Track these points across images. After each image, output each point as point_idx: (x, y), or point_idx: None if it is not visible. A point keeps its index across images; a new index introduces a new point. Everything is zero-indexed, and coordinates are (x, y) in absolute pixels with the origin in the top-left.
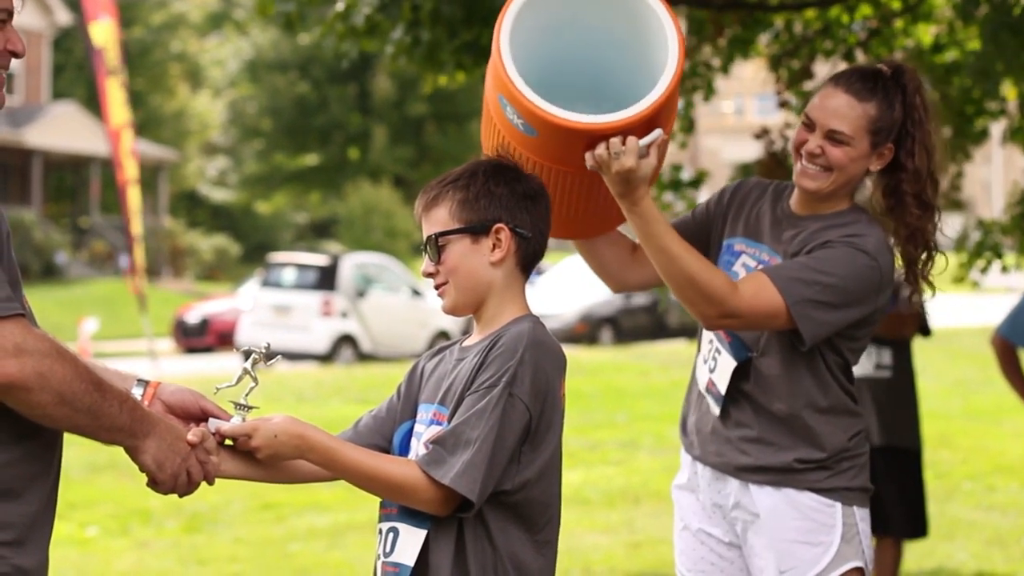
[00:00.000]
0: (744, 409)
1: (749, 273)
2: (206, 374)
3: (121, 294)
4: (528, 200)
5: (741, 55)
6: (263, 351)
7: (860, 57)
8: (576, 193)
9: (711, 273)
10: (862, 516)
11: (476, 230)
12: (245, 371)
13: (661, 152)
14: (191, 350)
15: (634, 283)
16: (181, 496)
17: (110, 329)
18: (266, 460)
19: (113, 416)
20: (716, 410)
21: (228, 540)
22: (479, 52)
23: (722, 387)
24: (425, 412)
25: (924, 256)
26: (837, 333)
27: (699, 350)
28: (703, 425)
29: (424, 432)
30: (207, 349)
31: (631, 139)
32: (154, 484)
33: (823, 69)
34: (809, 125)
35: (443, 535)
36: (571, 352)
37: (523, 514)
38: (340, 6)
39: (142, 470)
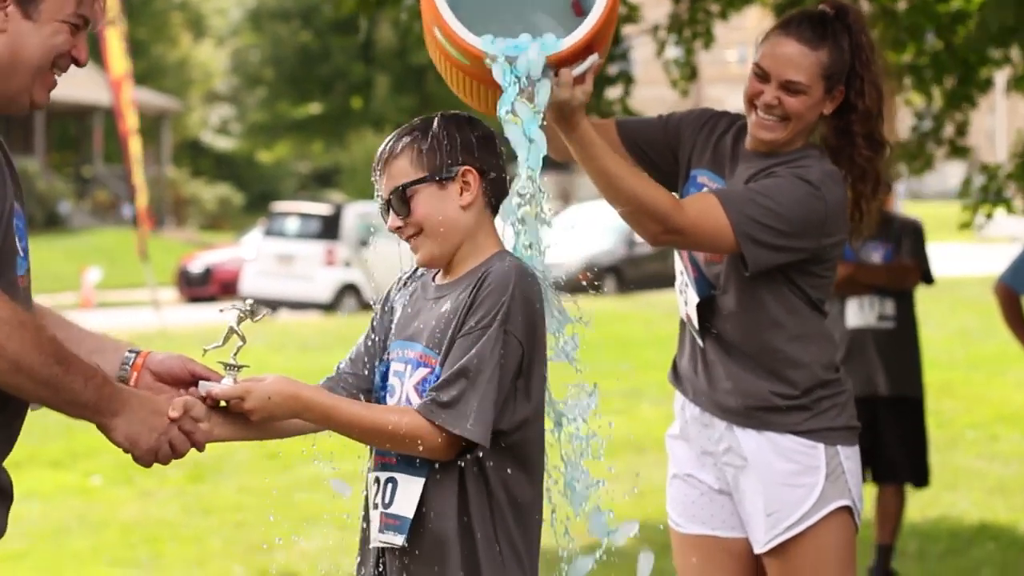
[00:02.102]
0: (718, 348)
1: (696, 193)
2: (209, 324)
3: (124, 244)
4: (486, 140)
5: (742, 3)
6: (248, 308)
7: (865, 5)
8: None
9: (655, 190)
10: (847, 455)
11: (442, 176)
12: (231, 329)
13: (595, 72)
14: (194, 299)
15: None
16: (166, 464)
17: (113, 279)
18: (260, 422)
19: (76, 392)
20: (700, 341)
21: (232, 489)
22: None
23: (695, 321)
24: (402, 350)
25: (871, 193)
26: (791, 267)
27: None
28: (691, 366)
29: (407, 373)
30: (210, 298)
31: (563, 71)
32: (133, 459)
33: None
34: (762, 76)
35: (444, 482)
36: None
37: (519, 454)
38: None
39: (117, 447)
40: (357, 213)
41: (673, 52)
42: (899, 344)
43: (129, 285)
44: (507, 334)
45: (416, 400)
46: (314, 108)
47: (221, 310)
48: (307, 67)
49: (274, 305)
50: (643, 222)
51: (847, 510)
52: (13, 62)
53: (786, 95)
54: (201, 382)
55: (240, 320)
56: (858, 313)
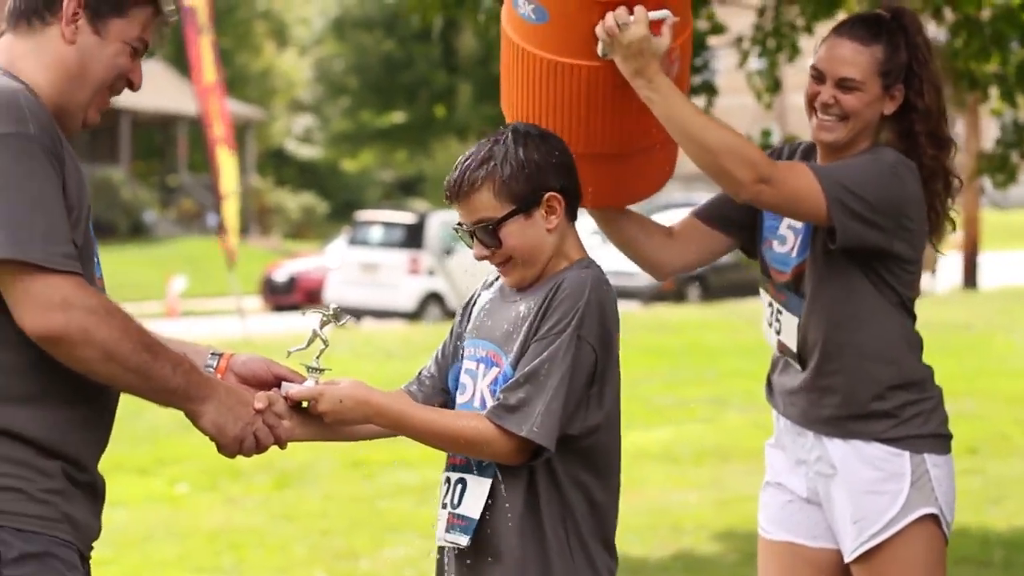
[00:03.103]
0: (809, 360)
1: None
2: (293, 332)
3: (209, 252)
4: (559, 155)
5: (824, 14)
6: (332, 313)
7: (948, 15)
8: (590, 97)
9: (746, 140)
10: (935, 463)
11: (528, 205)
12: (315, 333)
13: (682, 51)
14: (279, 308)
15: (677, 265)
16: (248, 456)
17: (198, 287)
18: (332, 424)
19: (165, 378)
20: (798, 366)
21: (317, 497)
22: None
23: (793, 345)
24: (474, 348)
25: (944, 191)
26: (880, 262)
27: (764, 316)
28: (783, 381)
29: (478, 372)
30: (295, 307)
31: (639, 8)
32: (218, 448)
33: None
34: (818, 77)
35: (512, 486)
36: (658, 310)
37: (592, 459)
38: None
39: (204, 434)
40: (441, 222)
41: (756, 64)
42: None
43: (214, 294)
44: (580, 340)
45: (489, 399)
46: (397, 117)
47: (305, 314)
48: (390, 76)
49: (358, 314)
50: (735, 168)
51: (934, 519)
52: (79, 73)
53: (842, 93)
54: (283, 383)
55: (324, 324)
56: None
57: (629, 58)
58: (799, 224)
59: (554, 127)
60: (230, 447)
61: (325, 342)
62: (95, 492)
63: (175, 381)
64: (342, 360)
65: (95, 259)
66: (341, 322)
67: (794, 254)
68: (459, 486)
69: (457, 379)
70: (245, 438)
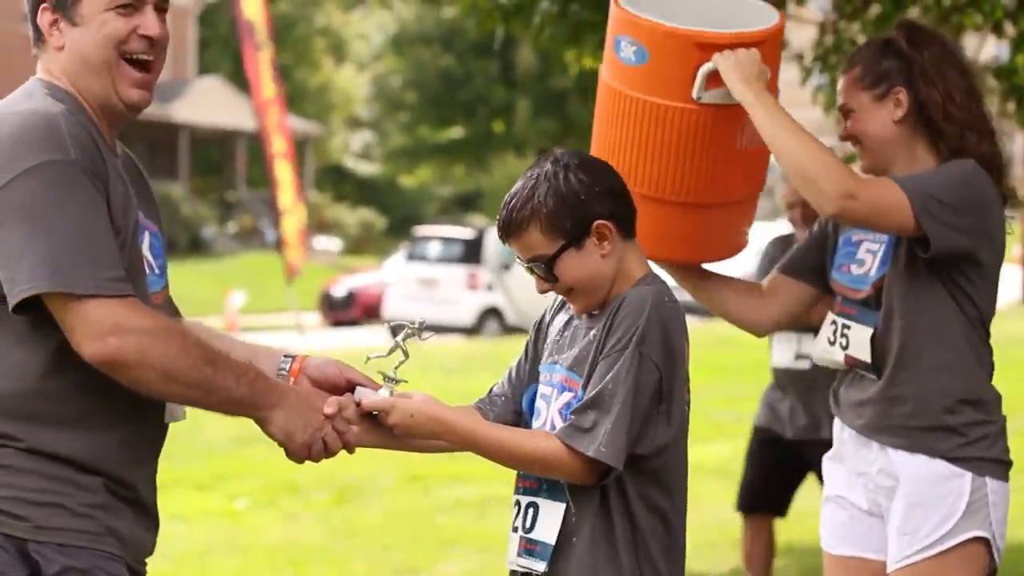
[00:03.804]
0: (884, 369)
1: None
2: (352, 347)
3: (268, 268)
4: (604, 181)
5: (884, 31)
6: (416, 326)
7: (1009, 29)
8: (682, 141)
9: (835, 156)
10: (994, 488)
11: (578, 237)
12: (396, 344)
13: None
14: (337, 323)
15: (773, 323)
16: (317, 461)
17: (257, 303)
18: (401, 436)
19: (229, 390)
20: (873, 375)
21: (376, 512)
22: None
23: (865, 356)
24: (550, 374)
25: (999, 175)
26: (961, 267)
27: (817, 337)
28: (851, 394)
29: (553, 396)
30: (353, 322)
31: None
32: (286, 453)
33: (971, 42)
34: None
35: (584, 509)
36: (717, 325)
37: (662, 480)
38: None
39: (273, 440)
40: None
41: (818, 79)
42: (815, 382)
43: (273, 309)
44: (643, 357)
45: (559, 424)
46: (455, 132)
47: (389, 323)
48: (448, 91)
49: (436, 329)
50: (821, 181)
51: (984, 543)
52: (82, 68)
53: (848, 122)
54: (358, 388)
55: (406, 337)
56: (777, 352)
57: (737, 66)
58: (876, 246)
59: (645, 172)
60: (299, 452)
61: (405, 354)
62: (144, 508)
63: (239, 391)
64: (400, 373)
65: (150, 275)
66: (424, 337)
67: (872, 272)
68: (531, 510)
69: (532, 402)
70: (314, 443)
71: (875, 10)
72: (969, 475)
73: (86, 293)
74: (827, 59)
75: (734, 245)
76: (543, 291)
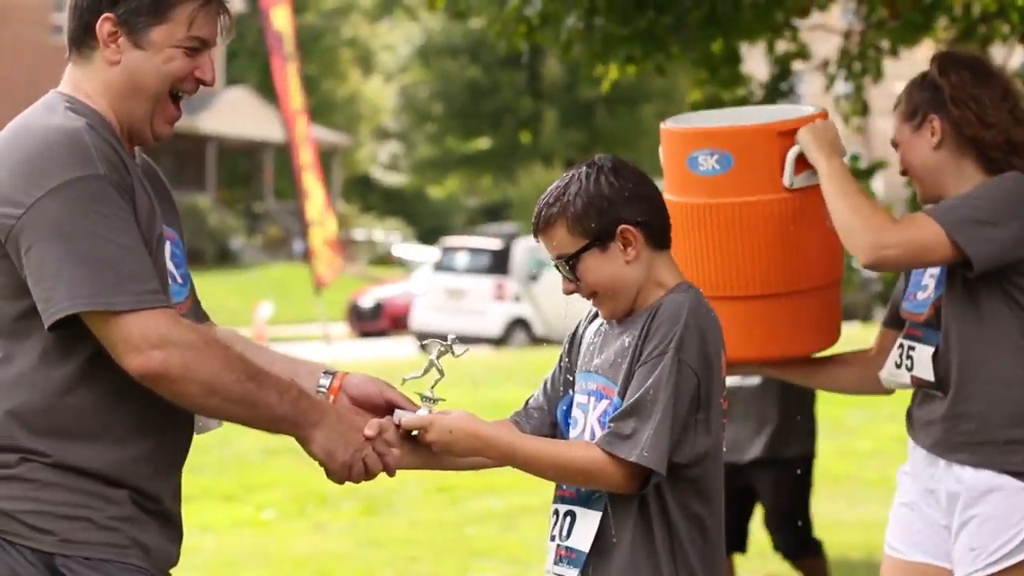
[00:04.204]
0: (948, 388)
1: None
2: (380, 358)
3: (295, 279)
4: (635, 186)
5: (910, 41)
6: (450, 343)
7: None
8: (779, 233)
9: (875, 208)
10: None
11: (602, 239)
12: (432, 363)
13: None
14: (365, 334)
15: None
16: (357, 483)
17: (285, 313)
18: (440, 454)
19: (272, 406)
20: (939, 393)
21: (404, 523)
22: (651, 41)
23: (929, 375)
24: (586, 382)
25: None
26: (1013, 277)
27: (887, 359)
28: (922, 413)
29: (590, 405)
30: (381, 333)
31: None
32: (327, 473)
33: (999, 52)
34: None
35: (623, 518)
36: None
37: (701, 489)
38: (515, 0)
39: (313, 459)
40: (527, 247)
41: (842, 87)
42: (762, 402)
43: (301, 320)
44: (680, 363)
45: (599, 432)
46: (483, 143)
47: (423, 343)
48: (475, 102)
49: (464, 340)
50: (858, 235)
51: None
52: (130, 91)
53: (899, 157)
54: (396, 411)
55: (441, 355)
56: None
57: (816, 137)
58: (937, 270)
59: (742, 272)
60: (339, 473)
61: (440, 372)
62: (169, 520)
63: (282, 409)
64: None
65: (173, 285)
66: (459, 353)
67: (932, 294)
68: (568, 518)
69: (567, 412)
70: (354, 464)
71: (903, 17)
72: None
73: (125, 308)
74: (851, 67)
75: (836, 327)
76: (567, 292)
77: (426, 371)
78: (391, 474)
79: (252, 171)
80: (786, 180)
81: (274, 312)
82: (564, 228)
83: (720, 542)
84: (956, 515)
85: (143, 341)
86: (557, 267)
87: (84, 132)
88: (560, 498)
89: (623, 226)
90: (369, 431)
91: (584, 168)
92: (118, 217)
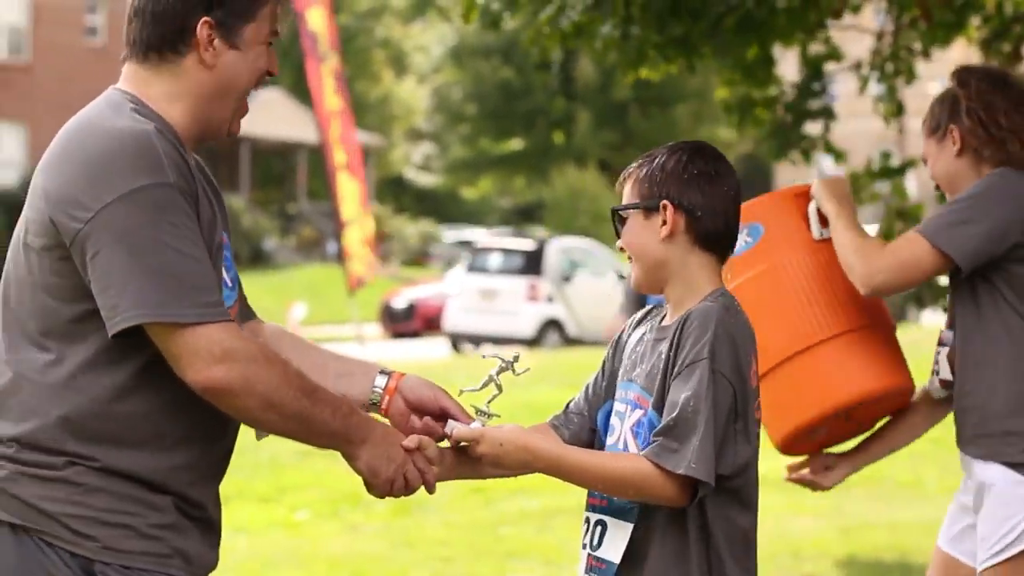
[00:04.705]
0: (959, 384)
1: None
2: (413, 359)
3: (329, 279)
4: (703, 177)
5: (943, 41)
6: (512, 360)
7: None
8: (820, 281)
9: (871, 243)
10: None
11: (647, 206)
12: (491, 378)
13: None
14: (398, 335)
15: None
16: (397, 497)
17: (318, 314)
18: (489, 466)
19: (325, 422)
20: (949, 392)
21: (438, 524)
22: (686, 47)
23: (948, 375)
24: (625, 391)
25: None
26: (1000, 270)
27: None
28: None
29: (626, 413)
30: (414, 334)
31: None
32: (368, 487)
33: None
34: None
35: (659, 529)
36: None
37: (742, 498)
38: (549, 10)
39: (357, 474)
40: (560, 248)
41: (876, 88)
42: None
43: (334, 321)
44: (715, 374)
45: (632, 441)
46: (516, 144)
47: (484, 356)
48: (508, 103)
49: (477, 340)
50: (855, 273)
51: None
52: (222, 92)
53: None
54: (450, 421)
55: (501, 371)
56: None
57: (827, 190)
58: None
59: (792, 326)
60: (381, 488)
61: (499, 388)
62: (210, 526)
63: (334, 425)
64: (462, 386)
65: (227, 287)
66: (520, 372)
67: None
68: (599, 528)
69: (607, 419)
70: (396, 479)
71: (935, 17)
72: None
73: (190, 321)
74: (883, 68)
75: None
76: (620, 248)
77: (484, 385)
78: (430, 491)
79: (286, 172)
80: (815, 234)
81: (307, 313)
82: (631, 183)
83: (755, 548)
84: (977, 507)
85: (207, 354)
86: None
87: (153, 136)
88: (591, 506)
89: (665, 202)
90: (408, 444)
91: (680, 143)
92: (185, 227)
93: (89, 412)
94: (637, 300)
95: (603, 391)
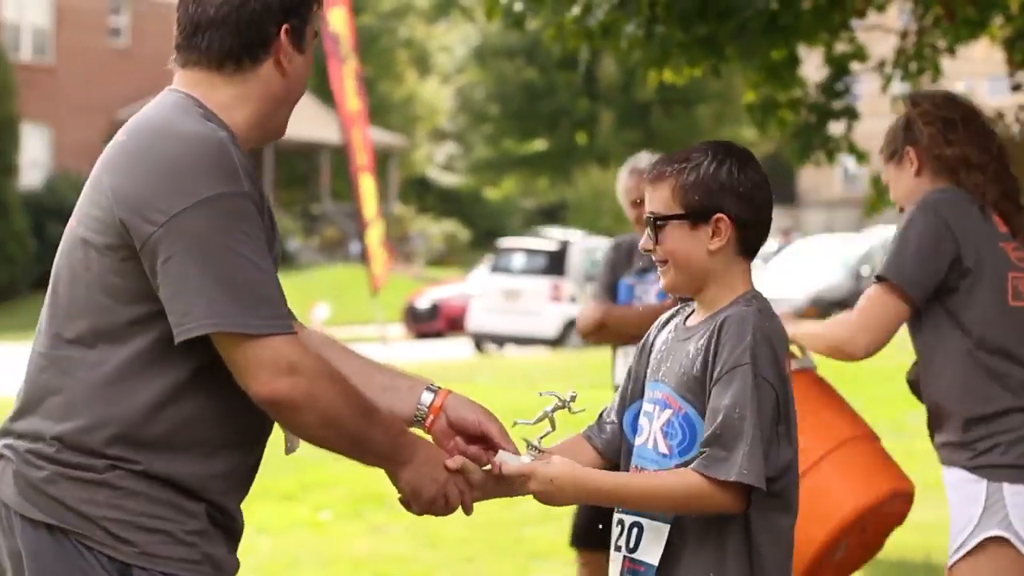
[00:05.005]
0: (924, 401)
1: None
2: (436, 359)
3: (352, 280)
4: (756, 189)
5: (967, 38)
6: (568, 399)
7: None
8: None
9: (830, 324)
10: (1014, 491)
11: (696, 217)
12: (546, 414)
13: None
14: (421, 335)
15: None
16: (436, 516)
17: (341, 315)
18: (541, 502)
19: (376, 443)
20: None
21: (461, 524)
22: (711, 48)
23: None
24: (654, 391)
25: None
26: (943, 297)
27: None
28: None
29: (655, 414)
30: (437, 334)
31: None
32: (406, 505)
33: None
34: None
35: (693, 528)
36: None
37: (784, 501)
38: (576, 10)
39: (399, 492)
40: (583, 248)
41: (899, 87)
42: None
43: (357, 321)
44: (757, 378)
45: (662, 441)
46: (539, 144)
47: (542, 393)
48: (532, 103)
49: (501, 340)
50: (843, 352)
51: (1006, 542)
52: (290, 96)
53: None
54: (500, 453)
55: (556, 408)
56: (622, 368)
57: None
58: None
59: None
60: (422, 507)
61: (553, 425)
62: (232, 533)
63: (384, 446)
64: (484, 388)
65: None
66: (576, 411)
67: None
68: (635, 530)
69: (634, 419)
70: (437, 500)
71: (959, 16)
72: (985, 482)
73: (260, 332)
74: (908, 67)
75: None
76: (644, 248)
77: (538, 420)
78: (468, 512)
79: (309, 172)
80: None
81: (330, 313)
82: (670, 189)
83: (791, 553)
84: None
85: (273, 367)
86: (646, 221)
87: (229, 144)
88: (624, 508)
89: (720, 215)
90: (451, 464)
91: (717, 146)
92: (257, 237)
93: (135, 416)
94: (611, 288)
95: (630, 395)
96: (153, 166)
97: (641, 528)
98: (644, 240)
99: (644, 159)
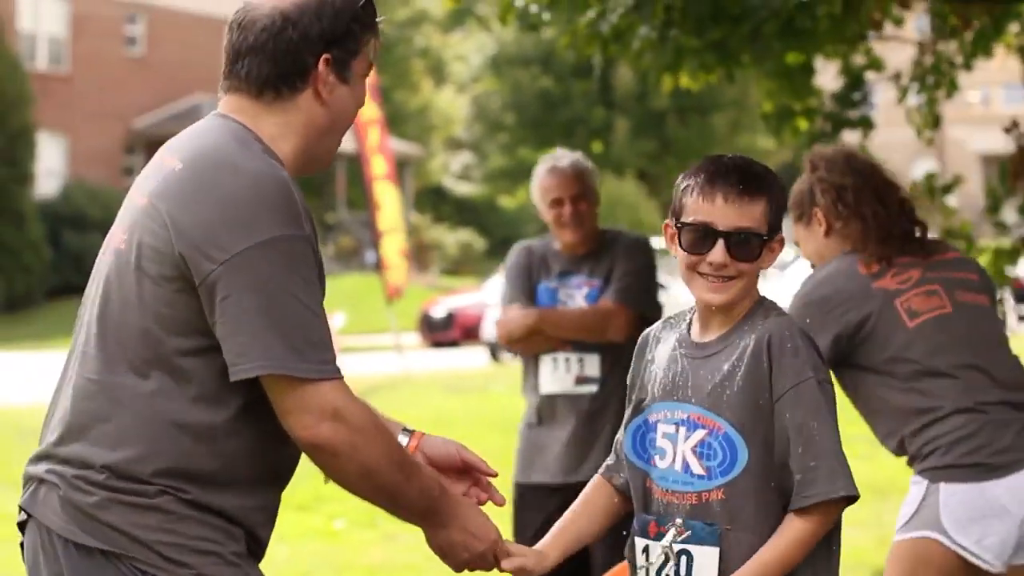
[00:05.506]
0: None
1: None
2: (451, 368)
3: (367, 289)
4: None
5: (983, 52)
6: (670, 543)
7: None
8: None
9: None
10: (951, 491)
11: (771, 238)
12: (663, 550)
13: None
14: (437, 344)
15: None
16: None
17: (356, 324)
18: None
19: (411, 500)
20: None
21: None
22: (725, 53)
23: None
24: (672, 411)
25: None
26: (849, 350)
27: None
28: None
29: (680, 434)
30: (453, 343)
31: None
32: (435, 553)
33: None
34: None
35: (740, 545)
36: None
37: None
38: (591, 14)
39: (431, 548)
40: None
41: (915, 99)
42: (602, 414)
43: (372, 330)
44: (820, 384)
45: (695, 462)
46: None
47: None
48: (547, 112)
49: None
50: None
51: (933, 542)
52: (333, 127)
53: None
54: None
55: (672, 542)
56: (551, 376)
57: None
58: None
59: None
60: (453, 568)
61: (667, 557)
62: (259, 560)
63: (419, 506)
64: (501, 396)
65: None
66: (675, 550)
67: None
68: (683, 557)
69: (640, 440)
70: (470, 565)
71: (975, 27)
72: (925, 483)
73: (308, 377)
74: (924, 79)
75: None
76: (718, 264)
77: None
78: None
79: (324, 181)
80: None
81: (346, 322)
82: (765, 205)
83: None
84: None
85: (318, 411)
86: (729, 235)
87: (291, 184)
88: (658, 534)
89: (780, 236)
90: (507, 564)
91: (771, 170)
92: (313, 282)
93: (186, 448)
94: (530, 294)
95: (630, 414)
96: (217, 202)
97: (691, 556)
98: (719, 253)
99: (564, 158)
